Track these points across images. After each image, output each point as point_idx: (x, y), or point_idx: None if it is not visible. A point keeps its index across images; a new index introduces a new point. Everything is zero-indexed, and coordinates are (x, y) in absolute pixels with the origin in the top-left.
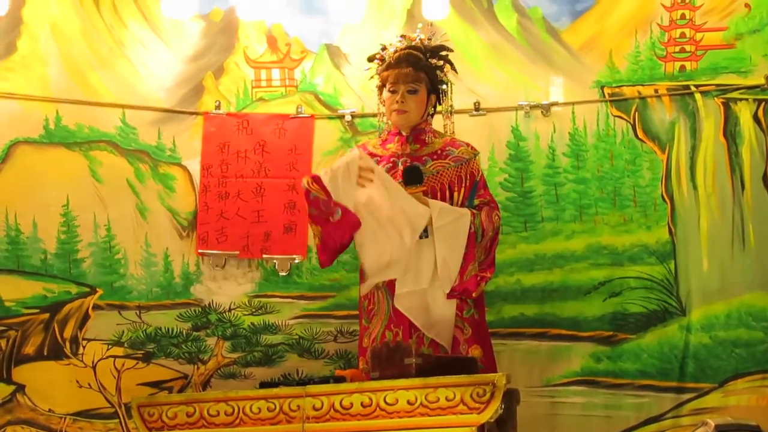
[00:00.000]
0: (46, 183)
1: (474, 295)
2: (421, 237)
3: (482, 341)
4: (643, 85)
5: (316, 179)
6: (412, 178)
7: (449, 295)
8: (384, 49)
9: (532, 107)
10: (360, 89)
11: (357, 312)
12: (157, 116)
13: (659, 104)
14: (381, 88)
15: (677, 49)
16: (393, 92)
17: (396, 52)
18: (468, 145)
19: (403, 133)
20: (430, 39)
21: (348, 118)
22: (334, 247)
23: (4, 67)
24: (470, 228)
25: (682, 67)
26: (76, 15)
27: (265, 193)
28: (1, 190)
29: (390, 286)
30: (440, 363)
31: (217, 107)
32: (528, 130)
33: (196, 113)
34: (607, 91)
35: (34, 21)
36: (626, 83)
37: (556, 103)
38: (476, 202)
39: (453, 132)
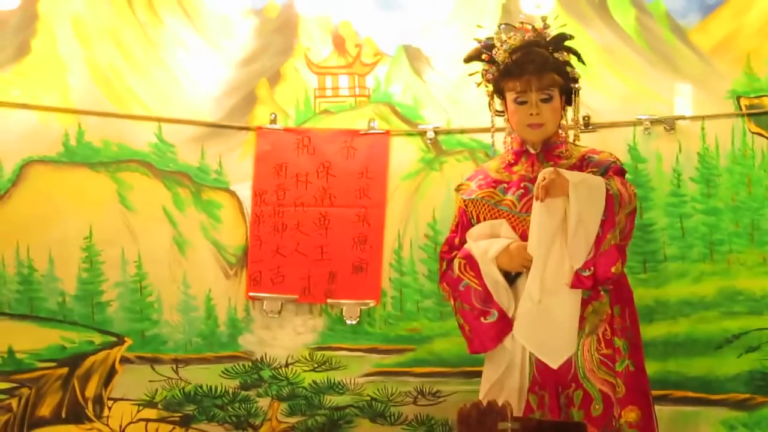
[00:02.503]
0: (66, 210)
1: (613, 272)
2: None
3: (640, 400)
4: None
5: (471, 263)
6: None
7: (576, 280)
8: (490, 46)
9: (654, 122)
10: (446, 100)
11: (440, 369)
12: (201, 132)
13: None
14: (493, 95)
15: None
16: (522, 103)
17: (513, 50)
18: (611, 154)
19: (532, 151)
20: (546, 27)
21: (431, 134)
22: (480, 349)
23: (15, 71)
24: (607, 189)
25: None
26: (103, 10)
27: (330, 225)
28: (12, 218)
29: None
30: (542, 428)
31: (273, 121)
32: (648, 149)
33: (248, 128)
34: (744, 102)
35: (53, 17)
36: (767, 93)
37: (682, 117)
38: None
39: (579, 138)
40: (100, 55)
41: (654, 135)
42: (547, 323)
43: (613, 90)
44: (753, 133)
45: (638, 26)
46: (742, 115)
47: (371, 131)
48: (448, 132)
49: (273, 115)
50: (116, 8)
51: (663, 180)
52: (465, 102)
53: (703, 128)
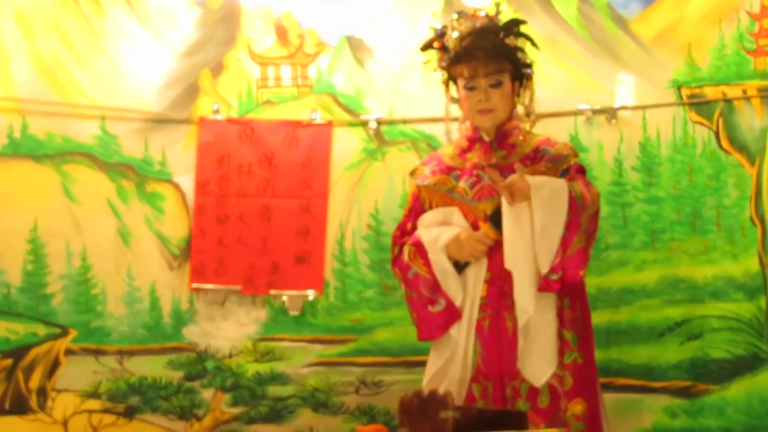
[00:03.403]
0: (10, 203)
1: (581, 276)
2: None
3: (587, 393)
4: (728, 85)
5: (421, 251)
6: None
7: (544, 284)
8: (442, 34)
9: (595, 112)
10: (388, 90)
11: (382, 359)
12: (144, 123)
13: (748, 108)
14: (448, 83)
15: None
16: (471, 89)
17: (463, 37)
18: (565, 144)
19: (486, 138)
20: (498, 13)
21: (373, 124)
22: (428, 336)
23: None
24: (569, 192)
25: None
26: (46, 2)
27: (272, 216)
28: None
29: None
30: (483, 417)
31: (216, 112)
32: (590, 139)
33: (190, 120)
34: (685, 92)
35: None
36: (708, 83)
37: (624, 107)
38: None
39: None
40: (44, 47)
41: (595, 125)
42: (529, 338)
43: (555, 80)
44: (694, 122)
45: (580, 16)
46: (683, 105)
47: (314, 122)
48: (391, 122)
49: (216, 106)
50: (61, 0)
51: (604, 169)
52: (407, 92)
53: (644, 118)
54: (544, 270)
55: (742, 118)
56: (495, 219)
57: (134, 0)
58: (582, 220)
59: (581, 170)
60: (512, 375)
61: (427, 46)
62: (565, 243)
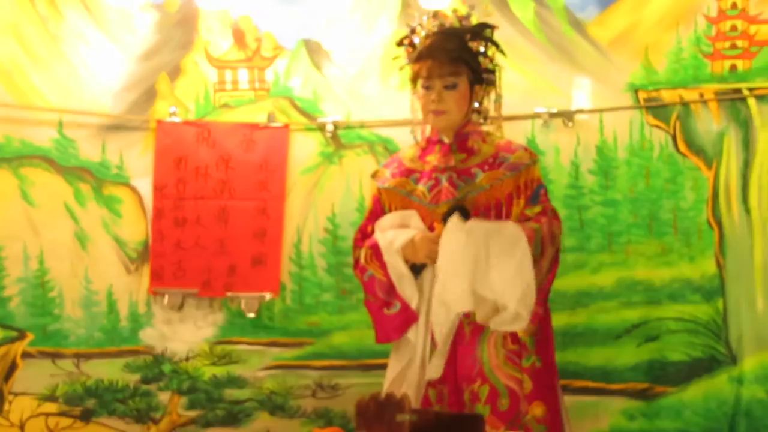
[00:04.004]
0: None
1: (540, 313)
2: (416, 274)
3: (547, 396)
4: (685, 89)
5: (377, 254)
6: (458, 216)
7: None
8: (413, 31)
9: (552, 115)
10: (345, 93)
11: (339, 362)
12: (102, 126)
13: (705, 111)
14: (414, 80)
15: (727, 45)
16: (427, 88)
17: (427, 36)
18: (525, 149)
19: (445, 140)
20: (469, 16)
21: (330, 128)
22: (384, 339)
23: None
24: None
25: (733, 67)
26: (3, 4)
27: (229, 218)
28: None
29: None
30: (440, 420)
31: (173, 115)
32: (547, 142)
33: (147, 123)
34: (642, 95)
35: None
36: (665, 86)
37: (581, 111)
38: (538, 209)
39: (502, 131)
40: (1, 50)
41: (552, 128)
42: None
43: (512, 83)
44: (651, 125)
45: (537, 20)
46: (640, 108)
47: (271, 125)
48: (348, 126)
49: (173, 109)
50: (17, 2)
51: (561, 172)
52: (365, 96)
53: (601, 121)
54: (528, 316)
55: (699, 121)
56: (448, 215)
57: (91, 3)
58: (542, 264)
59: (546, 193)
60: (470, 379)
61: (400, 43)
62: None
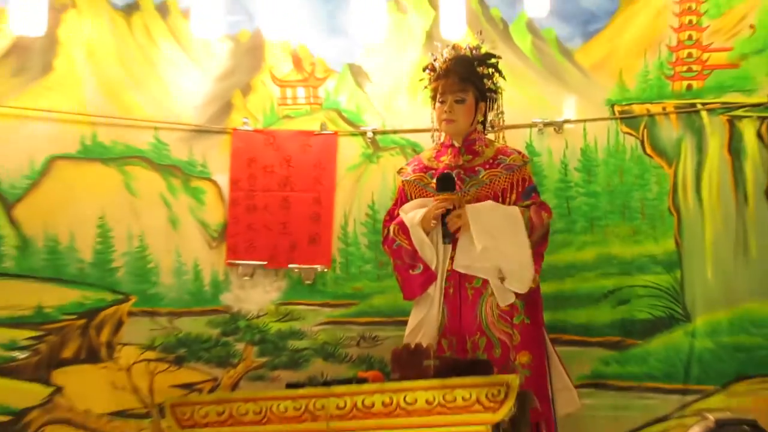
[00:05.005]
0: (83, 196)
1: (536, 279)
2: (444, 242)
3: (533, 346)
4: (651, 103)
5: (403, 228)
6: (445, 186)
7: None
8: (435, 59)
9: (546, 125)
10: (381, 107)
11: (377, 319)
12: (188, 133)
13: (667, 121)
14: (433, 98)
15: (684, 68)
16: (442, 102)
17: (444, 62)
18: (519, 152)
19: (456, 144)
20: (479, 47)
21: (370, 134)
22: (410, 296)
23: (41, 85)
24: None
25: (689, 86)
26: (110, 35)
27: (290, 206)
28: (40, 202)
29: (446, 298)
30: (457, 365)
31: (245, 124)
32: (541, 146)
33: (225, 130)
34: (617, 108)
35: (70, 41)
36: (635, 101)
37: (568, 121)
38: (528, 203)
39: (504, 138)
40: (109, 72)
41: (546, 134)
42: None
43: (514, 99)
44: (624, 132)
45: (533, 48)
46: (616, 119)
47: (323, 132)
48: (384, 132)
49: (245, 120)
50: (120, 34)
51: (553, 170)
52: (396, 109)
53: (584, 129)
54: (525, 288)
55: (662, 129)
56: (439, 183)
57: (180, 35)
58: (532, 240)
59: (536, 191)
60: (471, 332)
61: (426, 67)
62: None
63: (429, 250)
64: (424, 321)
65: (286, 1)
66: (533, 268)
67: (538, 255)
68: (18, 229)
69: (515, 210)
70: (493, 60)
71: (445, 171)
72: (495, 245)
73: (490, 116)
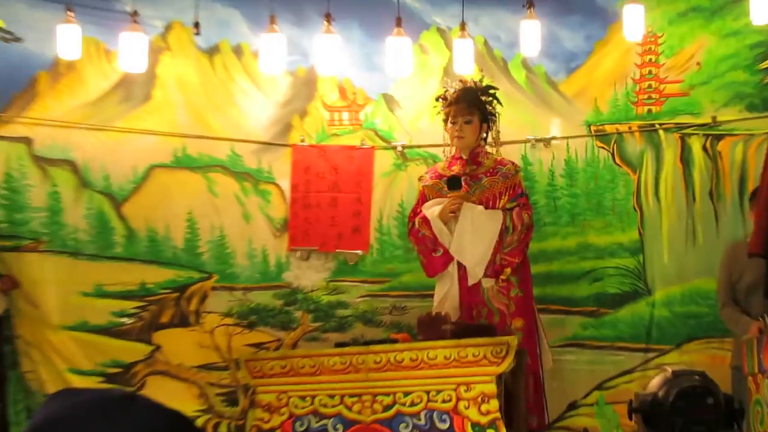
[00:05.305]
0: (176, 197)
1: (512, 264)
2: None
3: (525, 314)
4: (619, 124)
5: (426, 221)
6: (453, 185)
7: (497, 268)
8: (446, 91)
9: (537, 141)
10: (408, 127)
11: (406, 292)
12: (258, 147)
13: (632, 138)
14: (446, 120)
15: (646, 96)
16: (453, 123)
17: (455, 92)
18: (512, 163)
19: (464, 157)
20: (481, 80)
21: (399, 148)
22: (433, 274)
23: (143, 110)
24: (502, 225)
25: (649, 110)
26: (196, 72)
27: (338, 204)
28: (142, 201)
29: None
30: (469, 329)
31: (302, 141)
32: (533, 157)
33: (287, 145)
34: (592, 128)
35: (165, 76)
36: (607, 122)
37: (554, 138)
38: (513, 205)
39: (499, 152)
40: (195, 100)
41: (537, 148)
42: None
43: (512, 121)
44: (598, 147)
45: (527, 80)
46: (592, 136)
47: (363, 147)
48: (410, 147)
49: (302, 137)
50: (204, 70)
51: (542, 176)
52: (420, 128)
53: (567, 144)
54: (480, 275)
55: (628, 144)
56: (449, 184)
57: (251, 71)
58: (505, 238)
59: (525, 197)
60: (476, 303)
61: (440, 97)
62: (495, 248)
63: (446, 237)
64: (448, 294)
65: (333, 44)
66: (484, 267)
67: (524, 244)
68: (125, 222)
69: (498, 214)
70: (493, 90)
71: (453, 176)
72: (466, 244)
73: (491, 134)
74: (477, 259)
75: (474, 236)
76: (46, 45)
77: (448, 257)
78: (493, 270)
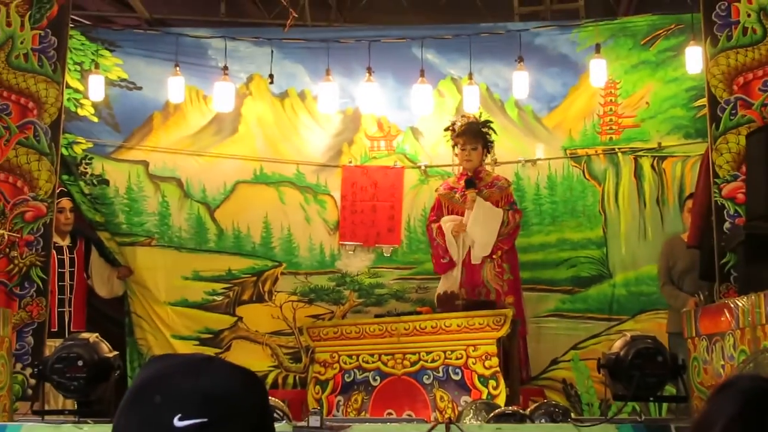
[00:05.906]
0: (255, 205)
1: (505, 248)
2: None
3: (515, 293)
4: (588, 148)
5: (440, 232)
6: (469, 185)
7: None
8: (454, 123)
9: (526, 161)
10: (429, 152)
11: (428, 276)
12: (317, 167)
13: (598, 159)
14: (454, 146)
15: (608, 128)
16: (463, 150)
17: (462, 125)
18: (506, 179)
19: (469, 174)
20: (481, 115)
21: (423, 168)
22: (439, 271)
23: (231, 140)
24: (501, 219)
25: (611, 138)
26: (271, 111)
27: (377, 210)
28: (230, 208)
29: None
30: (475, 303)
31: (350, 162)
32: (524, 174)
33: (338, 166)
34: (568, 152)
35: (248, 115)
36: (579, 147)
37: (539, 159)
38: (507, 208)
39: (494, 170)
40: (270, 132)
41: (526, 167)
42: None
43: (507, 146)
44: (572, 166)
45: (519, 116)
46: (567, 158)
47: (395, 167)
48: (431, 167)
49: (350, 160)
50: (277, 110)
51: (531, 188)
52: (439, 153)
53: (549, 164)
54: (488, 248)
55: (595, 164)
56: (467, 184)
57: (312, 110)
58: (502, 230)
59: (515, 206)
60: (478, 284)
61: (447, 129)
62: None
63: (454, 248)
64: (449, 277)
65: (373, 90)
66: (489, 251)
67: (512, 237)
68: (217, 224)
69: (499, 211)
70: (490, 123)
71: (470, 178)
72: (476, 232)
73: (489, 157)
74: (484, 240)
75: (483, 224)
76: (159, 92)
77: (451, 264)
78: (490, 254)
